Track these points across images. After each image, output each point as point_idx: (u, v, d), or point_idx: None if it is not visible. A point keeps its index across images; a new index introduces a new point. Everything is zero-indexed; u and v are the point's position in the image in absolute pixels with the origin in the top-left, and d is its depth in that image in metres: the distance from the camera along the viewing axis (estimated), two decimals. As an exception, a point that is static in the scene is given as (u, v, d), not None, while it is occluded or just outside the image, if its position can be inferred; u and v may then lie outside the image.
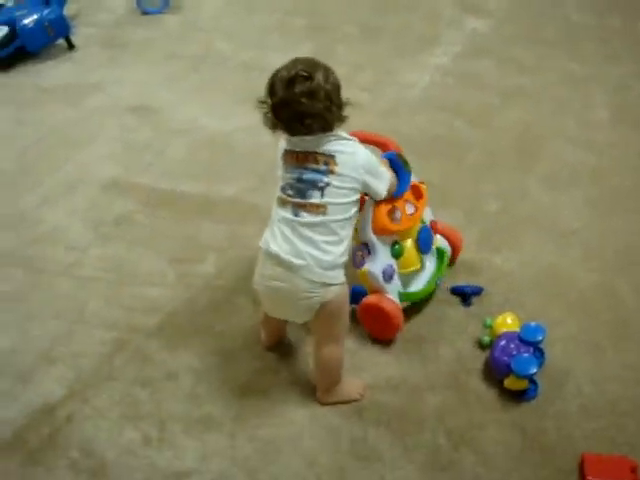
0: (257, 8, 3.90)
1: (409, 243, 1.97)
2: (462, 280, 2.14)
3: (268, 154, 2.66)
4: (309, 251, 1.64)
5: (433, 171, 2.55)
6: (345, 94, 1.70)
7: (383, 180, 1.77)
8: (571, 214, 2.41)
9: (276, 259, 1.67)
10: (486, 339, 1.91)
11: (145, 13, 3.90)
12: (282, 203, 1.70)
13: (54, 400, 1.82)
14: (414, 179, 1.96)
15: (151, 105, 3.10)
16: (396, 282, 1.95)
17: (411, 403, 1.78)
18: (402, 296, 1.97)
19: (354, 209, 1.71)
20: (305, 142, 1.67)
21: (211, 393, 1.83)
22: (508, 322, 1.89)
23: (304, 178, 1.67)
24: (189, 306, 2.10)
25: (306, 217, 1.66)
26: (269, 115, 1.69)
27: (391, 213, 1.88)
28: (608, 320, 2.01)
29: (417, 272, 2.01)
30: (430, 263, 2.06)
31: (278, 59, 3.23)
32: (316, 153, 1.67)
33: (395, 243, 1.94)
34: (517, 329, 1.86)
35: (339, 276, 1.69)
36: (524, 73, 3.21)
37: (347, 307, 1.76)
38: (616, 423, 1.71)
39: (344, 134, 1.70)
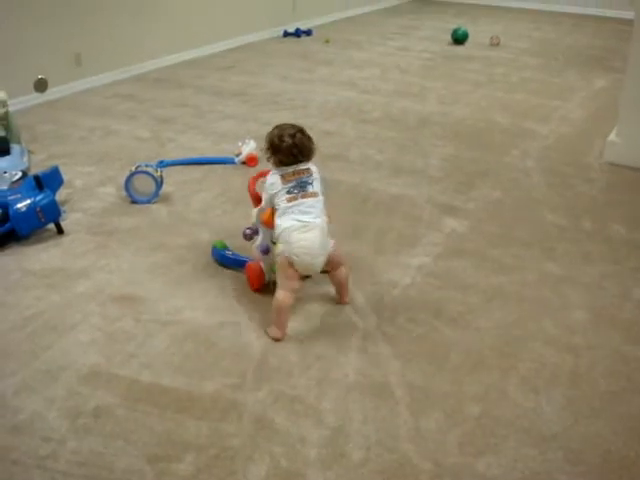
0: (244, 201, 4.03)
1: None
2: (445, 487, 2.11)
3: (250, 352, 2.72)
4: (318, 216, 2.86)
5: (415, 372, 2.60)
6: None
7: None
8: (552, 417, 2.43)
9: (308, 225, 2.82)
10: None
11: (134, 202, 4.02)
12: (292, 199, 2.86)
13: None
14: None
15: (135, 294, 3.13)
16: (270, 258, 3.06)
17: None
18: (273, 268, 3.03)
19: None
20: (297, 166, 2.93)
21: None
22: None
23: (302, 182, 2.90)
24: (166, 508, 2.04)
25: (309, 200, 2.87)
26: (275, 157, 2.95)
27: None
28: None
29: None
30: None
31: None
32: (304, 169, 2.94)
33: None
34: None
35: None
36: (503, 273, 3.31)
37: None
38: None
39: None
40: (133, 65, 7.03)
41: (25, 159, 4.55)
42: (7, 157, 4.49)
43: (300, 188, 2.88)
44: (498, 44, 8.44)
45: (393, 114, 5.67)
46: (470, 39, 8.56)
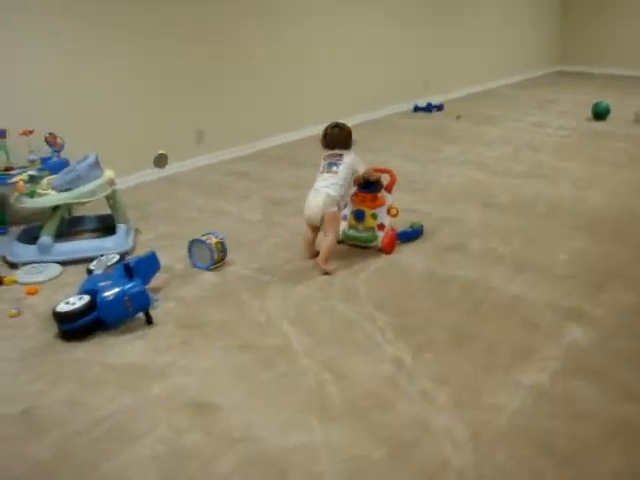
0: (346, 296, 3.74)
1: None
2: None
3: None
4: (326, 186, 4.07)
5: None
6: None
7: (361, 167, 4.18)
8: None
9: (317, 191, 4.08)
10: None
11: (196, 268, 4.14)
12: (321, 172, 4.16)
13: None
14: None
15: (211, 402, 2.86)
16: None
17: None
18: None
19: (347, 177, 4.13)
20: (333, 151, 4.20)
21: None
22: None
23: (330, 162, 4.15)
24: None
25: (328, 175, 4.11)
26: (322, 142, 4.24)
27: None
28: None
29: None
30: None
31: (355, 362, 3.02)
32: (337, 154, 4.18)
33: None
34: None
35: (333, 204, 4.06)
36: (632, 401, 2.80)
37: (337, 220, 4.15)
38: None
39: (350, 150, 4.24)
40: (254, 142, 6.96)
41: (130, 239, 4.47)
42: (112, 237, 4.42)
43: (328, 166, 4.15)
44: (644, 120, 7.85)
45: (522, 199, 5.24)
46: (612, 114, 8.01)
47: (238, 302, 3.71)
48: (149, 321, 3.53)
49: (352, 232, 4.34)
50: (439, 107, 8.72)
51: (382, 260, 4.20)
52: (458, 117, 8.24)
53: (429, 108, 8.65)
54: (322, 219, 4.04)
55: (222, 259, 4.14)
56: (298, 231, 4.58)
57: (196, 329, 3.46)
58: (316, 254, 4.15)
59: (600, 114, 7.98)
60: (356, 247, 4.37)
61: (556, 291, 3.72)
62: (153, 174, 5.99)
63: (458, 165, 6.23)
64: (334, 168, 4.10)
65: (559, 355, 3.11)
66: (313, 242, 4.22)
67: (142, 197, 5.49)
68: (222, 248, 4.13)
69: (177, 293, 3.85)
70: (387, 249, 4.26)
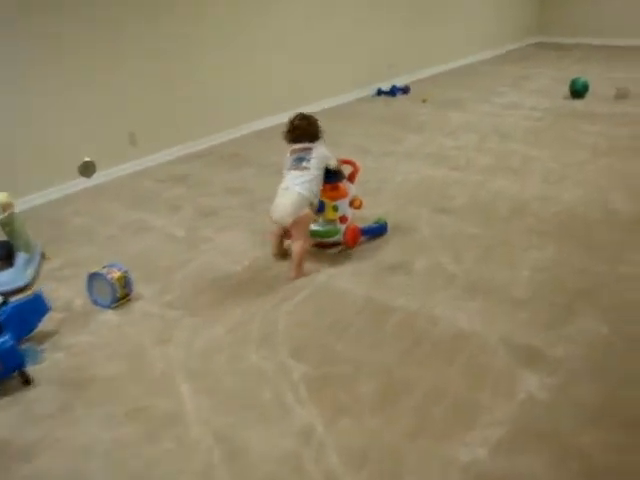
0: (259, 341, 3.17)
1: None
2: None
3: None
4: (297, 184, 3.63)
5: None
6: None
7: (332, 162, 3.81)
8: None
9: (284, 189, 3.66)
10: None
11: (96, 304, 3.58)
12: (289, 169, 3.73)
13: None
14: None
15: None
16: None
17: None
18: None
19: (319, 173, 3.72)
20: (302, 145, 3.78)
21: None
22: None
23: (299, 157, 3.74)
24: None
25: (297, 172, 3.68)
26: (287, 136, 3.84)
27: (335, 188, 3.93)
28: None
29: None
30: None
31: (256, 433, 2.53)
32: (306, 148, 3.77)
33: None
34: None
35: (305, 205, 3.64)
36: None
37: (308, 223, 3.73)
38: None
39: (319, 142, 3.83)
40: (204, 138, 6.37)
41: (29, 272, 3.91)
42: (7, 270, 3.84)
43: (297, 162, 3.72)
44: (626, 96, 7.22)
45: (481, 200, 4.64)
46: (592, 90, 7.39)
47: (136, 350, 3.14)
48: (27, 381, 2.97)
49: (311, 226, 3.87)
50: (404, 90, 8.08)
51: (313, 285, 3.61)
52: (424, 100, 7.63)
53: (393, 91, 8.01)
54: (293, 221, 3.62)
55: (126, 295, 3.56)
56: (225, 249, 4.06)
57: (79, 390, 2.89)
58: (284, 252, 3.91)
59: (578, 92, 7.37)
60: (314, 246, 4.00)
61: (512, 321, 3.14)
62: (80, 184, 5.39)
63: (417, 159, 5.62)
64: (304, 163, 3.69)
65: (507, 417, 2.53)
66: (282, 238, 3.90)
67: (60, 213, 4.90)
68: (125, 283, 3.55)
69: (69, 339, 3.28)
70: (350, 243, 3.95)
